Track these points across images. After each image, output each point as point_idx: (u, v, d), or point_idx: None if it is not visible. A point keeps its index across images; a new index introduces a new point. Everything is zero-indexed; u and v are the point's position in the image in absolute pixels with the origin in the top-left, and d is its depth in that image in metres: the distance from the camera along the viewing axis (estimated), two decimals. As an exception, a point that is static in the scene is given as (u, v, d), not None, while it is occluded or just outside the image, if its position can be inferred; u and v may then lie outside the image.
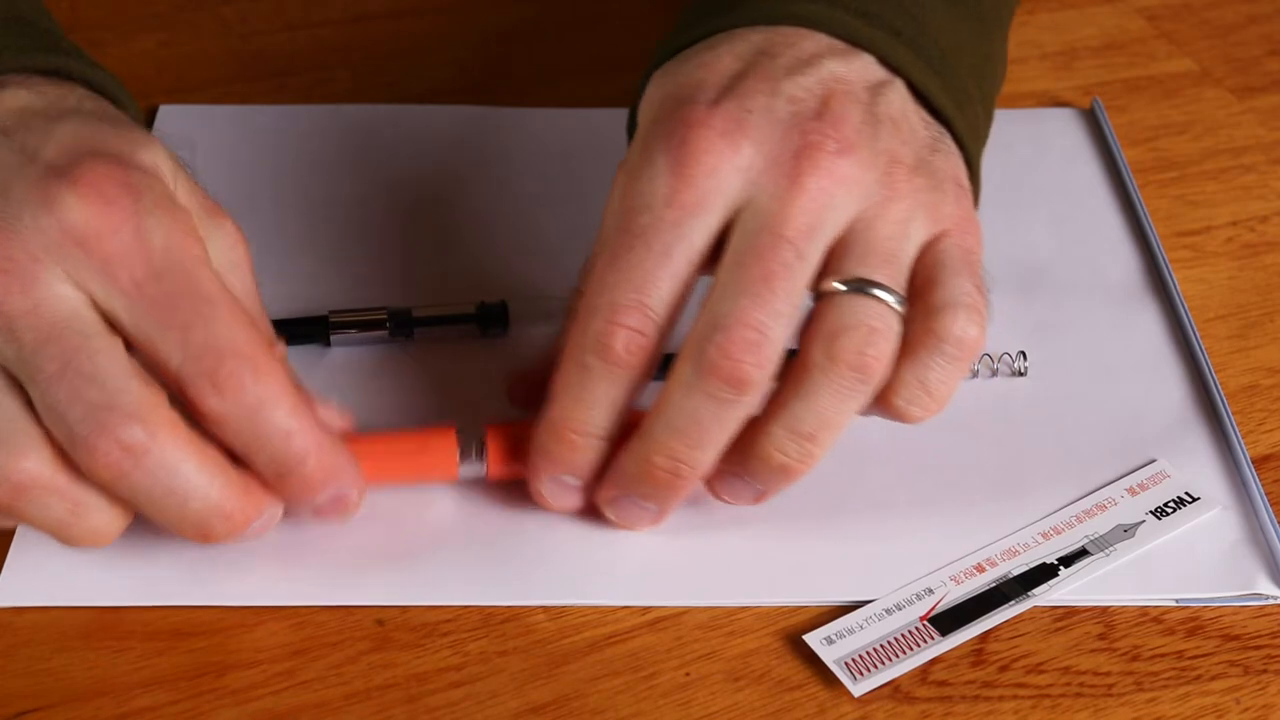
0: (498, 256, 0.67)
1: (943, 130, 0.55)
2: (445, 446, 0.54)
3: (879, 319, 0.50)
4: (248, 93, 0.76)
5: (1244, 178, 0.72)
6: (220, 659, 0.51)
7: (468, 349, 0.62)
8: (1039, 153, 0.73)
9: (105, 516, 0.49)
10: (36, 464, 0.47)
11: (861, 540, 0.55)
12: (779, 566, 0.54)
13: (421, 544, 0.54)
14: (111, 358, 0.47)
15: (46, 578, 0.53)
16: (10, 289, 0.46)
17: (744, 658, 0.51)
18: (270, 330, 0.52)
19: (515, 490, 0.56)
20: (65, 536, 0.49)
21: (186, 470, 0.48)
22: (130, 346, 0.47)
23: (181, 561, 0.53)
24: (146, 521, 0.49)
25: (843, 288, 0.50)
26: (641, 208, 0.50)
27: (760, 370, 0.49)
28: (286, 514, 0.51)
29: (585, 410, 0.51)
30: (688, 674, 0.51)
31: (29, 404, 0.47)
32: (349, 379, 0.60)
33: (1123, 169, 0.71)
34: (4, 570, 0.53)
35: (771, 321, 0.49)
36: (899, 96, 0.54)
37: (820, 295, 0.50)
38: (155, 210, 0.47)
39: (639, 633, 0.52)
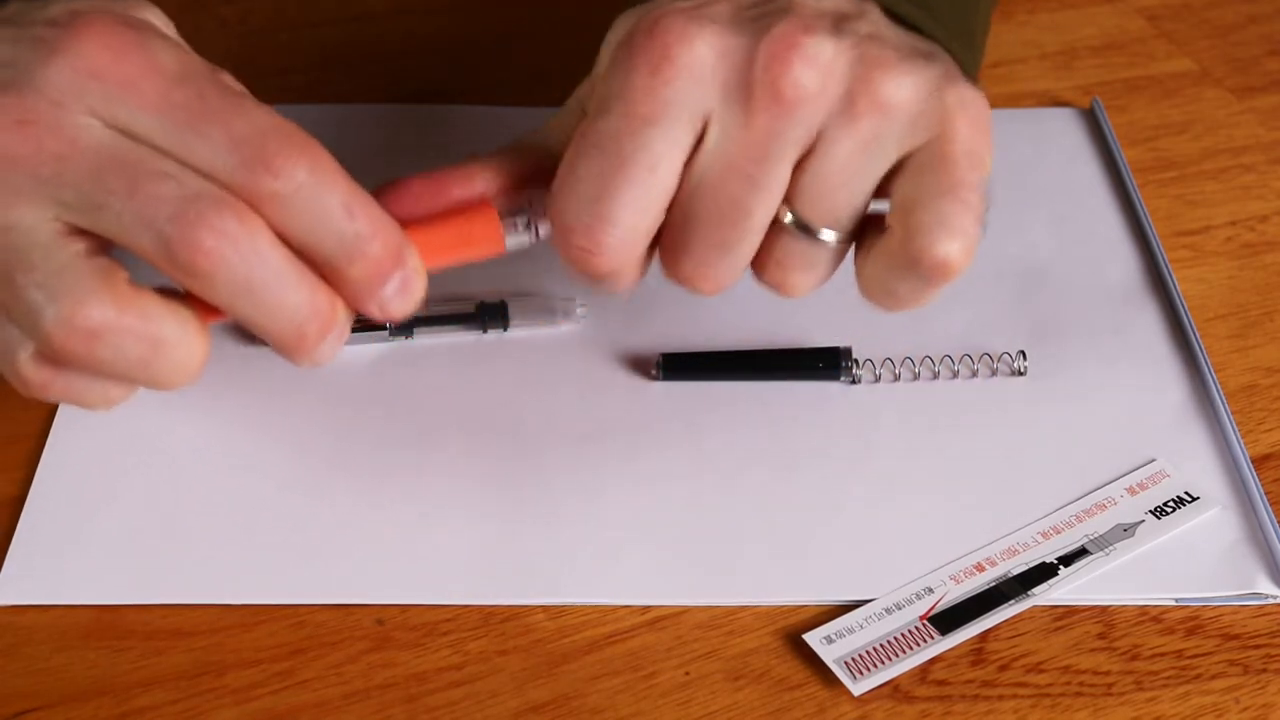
0: (498, 256, 0.66)
1: (933, 45, 0.52)
2: (489, 221, 0.51)
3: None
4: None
5: (1244, 177, 0.72)
6: (220, 659, 0.51)
7: (468, 349, 0.62)
8: (1039, 153, 0.73)
9: (187, 346, 0.47)
10: (102, 307, 0.45)
11: (861, 540, 0.55)
12: (779, 566, 0.54)
13: (421, 544, 0.54)
14: (172, 162, 0.45)
15: (46, 576, 0.53)
16: (42, 137, 0.45)
17: (744, 657, 0.51)
18: None
19: (515, 490, 0.56)
20: (152, 378, 0.46)
21: (276, 263, 0.46)
22: None
23: (181, 561, 0.53)
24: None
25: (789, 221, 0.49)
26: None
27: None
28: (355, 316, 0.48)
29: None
30: (687, 673, 0.51)
31: (84, 251, 0.45)
32: (349, 378, 0.60)
33: (1122, 169, 0.71)
34: (4, 569, 0.53)
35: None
36: (875, 16, 0.51)
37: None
38: (156, 36, 0.47)
39: (639, 632, 0.52)
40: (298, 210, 0.46)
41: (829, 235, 0.49)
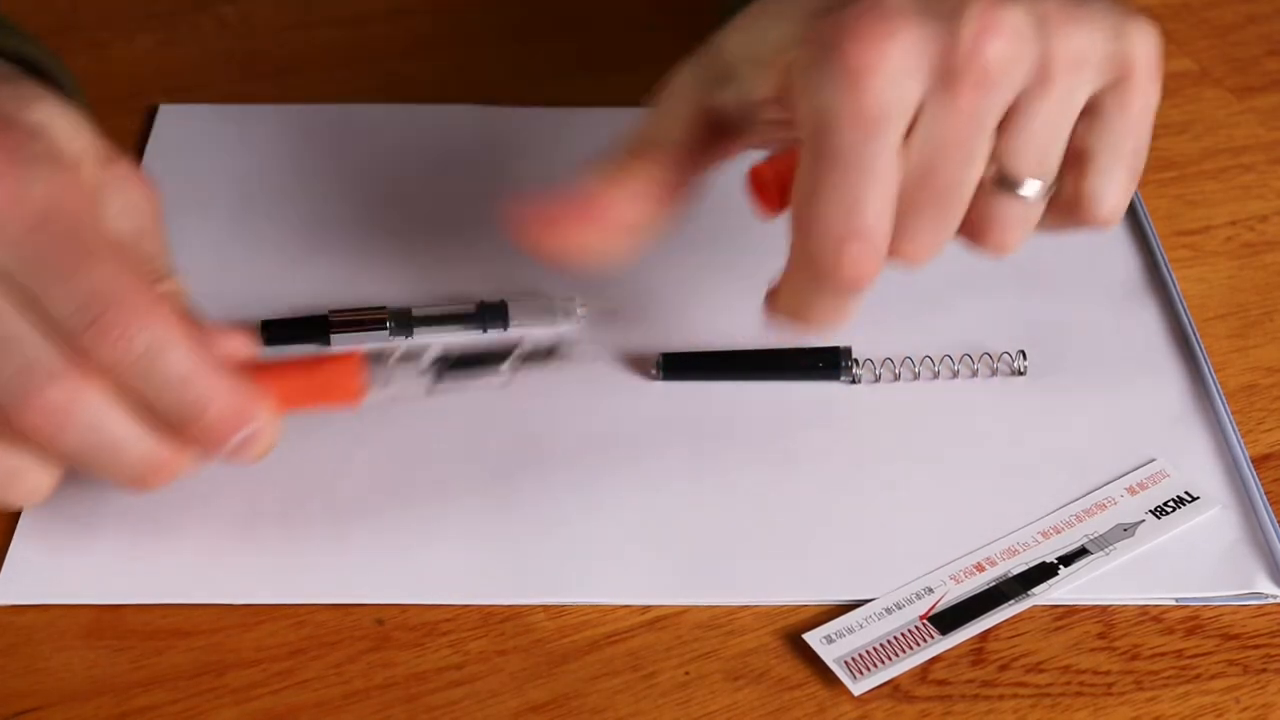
0: (498, 256, 0.67)
1: None
2: (352, 369, 0.52)
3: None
4: (248, 93, 0.76)
5: (1244, 177, 0.72)
6: (220, 658, 0.51)
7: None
8: (1039, 152, 0.73)
9: (39, 474, 0.49)
10: None
11: (861, 539, 0.55)
12: (779, 565, 0.54)
13: (421, 544, 0.54)
14: (16, 320, 0.46)
15: (46, 576, 0.53)
16: None
17: (743, 657, 0.51)
18: (167, 272, 0.51)
19: (515, 490, 0.56)
20: (2, 501, 0.49)
21: (111, 425, 0.47)
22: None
23: (182, 560, 0.53)
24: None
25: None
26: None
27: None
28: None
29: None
30: (687, 673, 0.51)
31: None
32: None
33: (1122, 169, 0.71)
34: (3, 568, 0.53)
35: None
36: None
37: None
38: (35, 164, 0.47)
39: (638, 632, 0.52)
40: (134, 377, 0.47)
41: (1033, 189, 0.51)
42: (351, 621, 0.52)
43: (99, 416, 0.47)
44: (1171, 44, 0.81)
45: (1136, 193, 0.70)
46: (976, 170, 0.50)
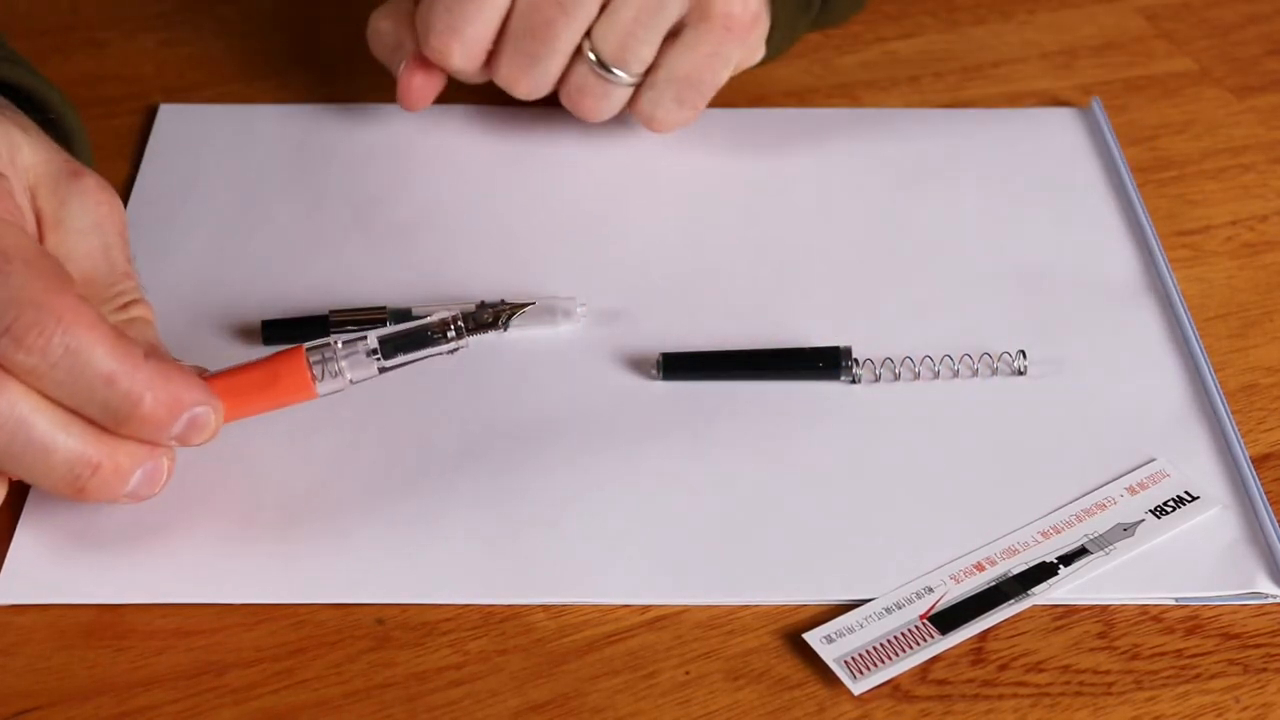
0: (497, 256, 0.67)
1: None
2: (296, 364, 0.52)
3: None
4: (248, 93, 0.76)
5: (1244, 177, 0.72)
6: (220, 658, 0.51)
7: (468, 348, 0.62)
8: (1039, 153, 0.73)
9: None
10: None
11: (861, 539, 0.55)
12: (778, 565, 0.54)
13: (421, 544, 0.54)
14: None
15: (46, 576, 0.53)
16: None
17: (744, 656, 0.51)
18: (132, 292, 0.52)
19: (515, 490, 0.56)
20: None
21: (40, 423, 0.47)
22: None
23: (182, 560, 0.53)
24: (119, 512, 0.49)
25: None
26: None
27: None
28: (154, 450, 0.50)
29: None
30: (687, 673, 0.51)
31: None
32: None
33: (1122, 168, 0.71)
34: (4, 568, 0.53)
35: None
36: None
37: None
38: None
39: (639, 631, 0.52)
40: (56, 382, 0.47)
41: (619, 74, 0.65)
42: (351, 621, 0.52)
43: (23, 414, 0.47)
44: (1171, 44, 0.81)
45: (1137, 192, 0.70)
46: (569, 25, 0.63)
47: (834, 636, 0.51)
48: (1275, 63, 0.80)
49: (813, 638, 0.51)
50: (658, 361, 0.61)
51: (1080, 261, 0.67)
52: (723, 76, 0.66)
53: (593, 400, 0.60)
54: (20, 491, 0.55)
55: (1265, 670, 0.51)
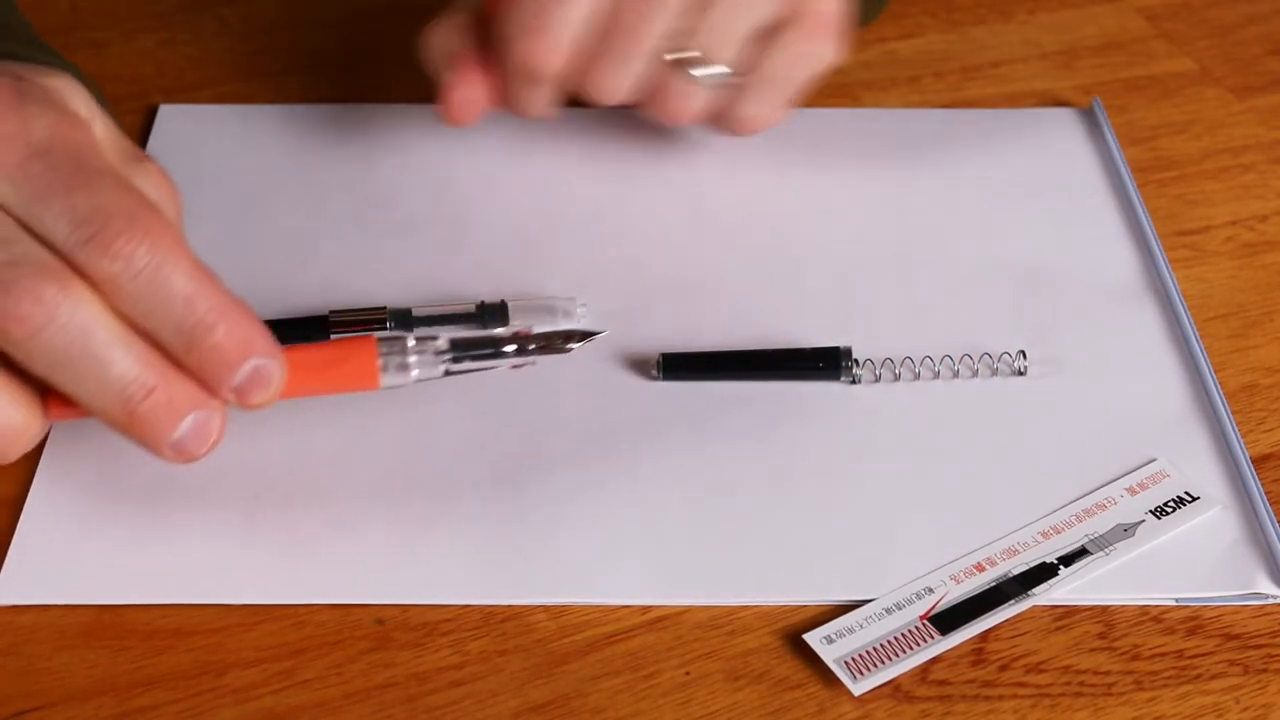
0: (497, 256, 0.67)
1: None
2: (366, 353, 0.51)
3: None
4: (248, 93, 0.76)
5: (1244, 177, 0.72)
6: (220, 658, 0.51)
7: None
8: (1039, 153, 0.73)
9: (15, 412, 0.47)
10: None
11: (861, 539, 0.55)
12: (779, 565, 0.54)
13: (421, 544, 0.54)
14: (13, 227, 0.46)
15: (46, 576, 0.53)
16: None
17: (744, 657, 0.51)
18: None
19: (516, 490, 0.56)
20: None
21: (102, 332, 0.46)
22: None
23: (182, 560, 0.53)
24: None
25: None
26: None
27: None
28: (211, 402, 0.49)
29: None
30: (687, 673, 0.51)
31: None
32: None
33: (1122, 168, 0.71)
34: (4, 568, 0.53)
35: None
36: None
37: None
38: (41, 105, 0.47)
39: (639, 632, 0.52)
40: (134, 294, 0.46)
41: (710, 73, 0.61)
42: (351, 621, 0.52)
43: (87, 320, 0.45)
44: (1171, 44, 0.81)
45: (1136, 193, 0.70)
46: (661, 23, 0.59)
47: (834, 637, 0.51)
48: (1275, 63, 0.80)
49: (813, 638, 0.51)
50: (658, 361, 0.61)
51: (1080, 261, 0.67)
52: (813, 76, 0.64)
53: (593, 400, 0.60)
54: (20, 491, 0.55)
55: (1265, 671, 0.51)
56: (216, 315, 0.47)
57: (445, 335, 0.52)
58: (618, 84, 0.61)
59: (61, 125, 0.47)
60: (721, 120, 0.64)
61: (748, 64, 0.62)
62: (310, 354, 0.51)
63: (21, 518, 0.54)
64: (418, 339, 0.52)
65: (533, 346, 0.53)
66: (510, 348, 0.53)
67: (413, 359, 0.52)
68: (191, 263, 0.47)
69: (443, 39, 0.64)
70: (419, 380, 0.52)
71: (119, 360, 0.46)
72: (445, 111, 0.63)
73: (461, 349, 0.52)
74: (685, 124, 0.64)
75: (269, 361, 0.48)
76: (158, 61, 0.78)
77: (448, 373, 0.52)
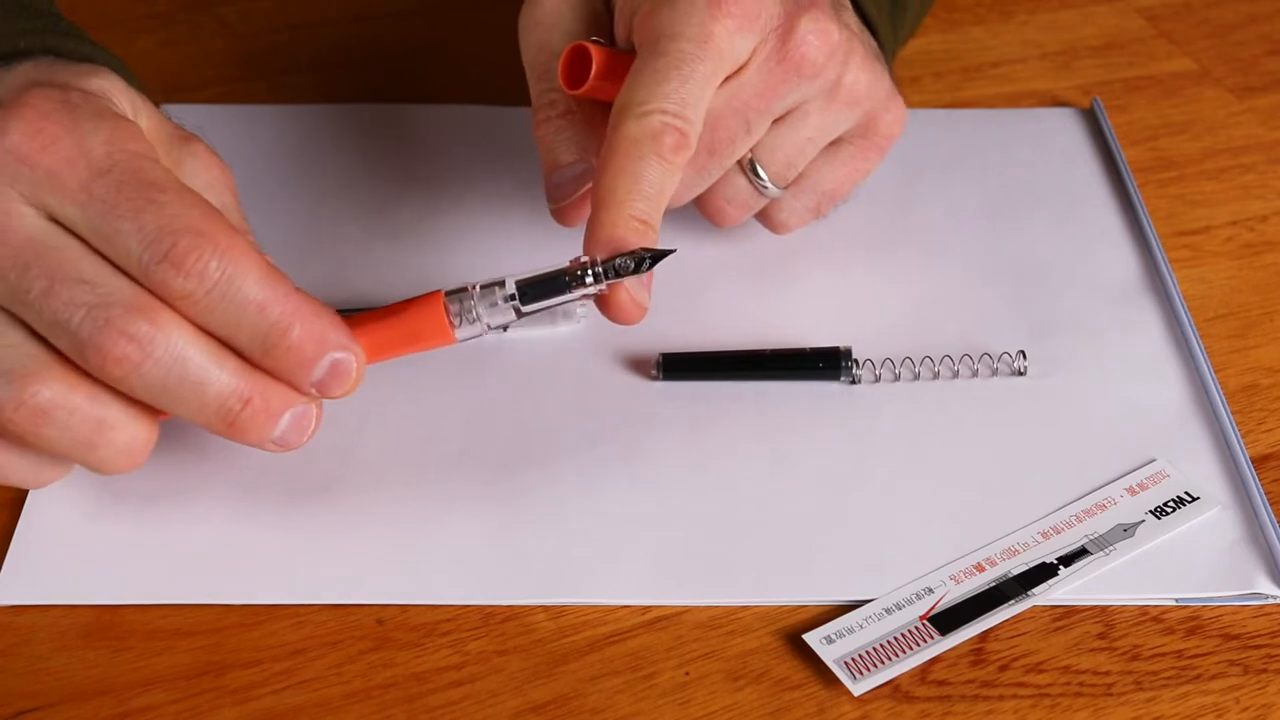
0: (497, 256, 0.67)
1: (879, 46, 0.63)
2: (435, 310, 0.52)
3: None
4: (248, 93, 0.76)
5: (1244, 177, 0.72)
6: (220, 658, 0.51)
7: (468, 348, 0.62)
8: (1039, 153, 0.73)
9: (131, 430, 0.49)
10: (51, 386, 0.47)
11: (861, 540, 0.55)
12: (779, 565, 0.54)
13: (421, 544, 0.54)
14: (93, 260, 0.47)
15: (46, 576, 0.53)
16: None
17: (744, 657, 0.51)
18: (243, 227, 0.52)
19: (515, 490, 0.56)
20: (95, 459, 0.49)
21: (195, 356, 0.47)
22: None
23: (182, 560, 0.53)
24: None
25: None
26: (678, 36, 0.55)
27: None
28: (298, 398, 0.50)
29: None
30: (687, 673, 0.51)
31: (33, 333, 0.47)
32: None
33: (1122, 169, 0.71)
34: (4, 569, 0.53)
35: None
36: (851, 10, 0.62)
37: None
38: (93, 119, 0.48)
39: (639, 632, 0.52)
40: (209, 307, 0.47)
41: (775, 187, 0.61)
42: (352, 621, 0.52)
43: (180, 348, 0.47)
44: (1171, 44, 0.81)
45: (1137, 193, 0.70)
46: (749, 139, 0.58)
47: (834, 637, 0.51)
48: (1275, 63, 0.80)
49: (813, 638, 0.51)
50: (658, 361, 0.61)
51: (1080, 261, 0.67)
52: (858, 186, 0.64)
53: (593, 400, 0.60)
54: (20, 492, 0.55)
55: (1265, 671, 0.51)
56: (290, 318, 0.48)
57: (511, 279, 0.52)
58: (690, 195, 0.59)
59: (117, 137, 0.48)
60: (761, 220, 0.64)
61: (806, 174, 0.61)
62: (381, 321, 0.51)
63: (21, 518, 0.55)
64: (482, 286, 0.52)
65: (600, 272, 0.52)
66: (581, 278, 0.52)
67: (480, 308, 0.52)
68: (260, 268, 0.48)
69: (562, 140, 0.59)
70: (493, 328, 0.52)
71: (214, 379, 0.48)
72: (558, 217, 0.60)
73: (530, 288, 0.52)
74: (733, 226, 0.63)
75: (345, 355, 0.49)
76: (158, 61, 0.78)
77: (519, 314, 0.52)
